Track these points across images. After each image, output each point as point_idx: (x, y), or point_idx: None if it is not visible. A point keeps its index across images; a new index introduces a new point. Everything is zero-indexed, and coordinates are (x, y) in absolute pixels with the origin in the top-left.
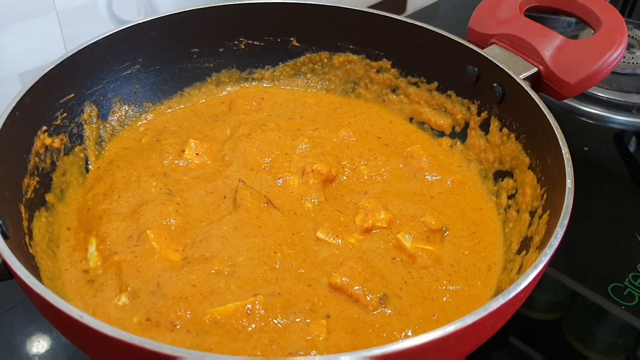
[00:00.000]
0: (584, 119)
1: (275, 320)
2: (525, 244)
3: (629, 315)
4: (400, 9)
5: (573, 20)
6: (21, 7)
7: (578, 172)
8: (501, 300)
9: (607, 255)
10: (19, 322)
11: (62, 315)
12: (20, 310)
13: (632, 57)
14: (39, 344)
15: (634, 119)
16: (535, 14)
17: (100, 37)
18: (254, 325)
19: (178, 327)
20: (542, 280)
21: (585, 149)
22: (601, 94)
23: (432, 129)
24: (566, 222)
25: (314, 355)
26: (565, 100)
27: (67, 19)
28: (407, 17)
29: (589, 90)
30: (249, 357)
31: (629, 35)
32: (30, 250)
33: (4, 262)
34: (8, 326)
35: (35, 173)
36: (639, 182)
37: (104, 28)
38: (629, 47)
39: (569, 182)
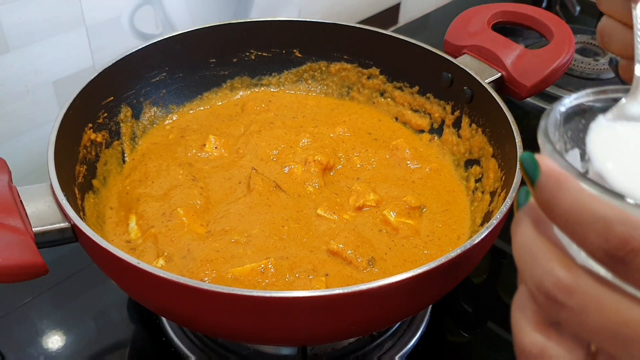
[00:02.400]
0: None
1: (284, 277)
2: (486, 218)
3: None
4: (393, 21)
5: None
6: (55, 22)
7: None
8: (458, 251)
9: None
10: (40, 314)
11: (122, 263)
12: (46, 299)
13: (597, 64)
14: (59, 337)
15: None
16: (508, 25)
17: (134, 50)
18: (267, 281)
19: (207, 281)
20: None
21: None
22: None
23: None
24: (515, 194)
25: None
26: (539, 103)
27: (94, 33)
28: (399, 28)
29: (560, 94)
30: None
31: (595, 44)
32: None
33: (73, 226)
34: (30, 316)
35: (84, 162)
36: None
37: (127, 40)
38: (594, 54)
39: (519, 164)
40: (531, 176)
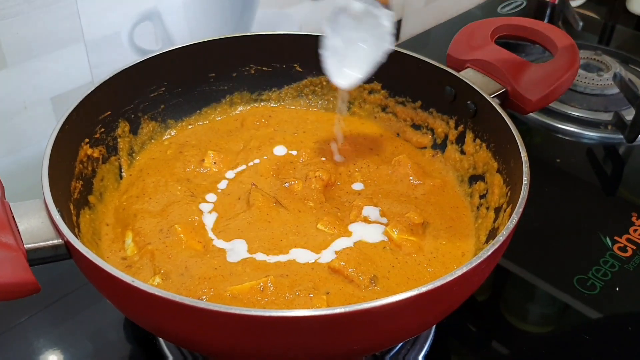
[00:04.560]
0: (560, 135)
1: (284, 295)
2: (491, 235)
3: (591, 304)
4: (395, 37)
5: None
6: (53, 38)
7: (551, 181)
8: (463, 269)
9: (574, 253)
10: (36, 333)
11: (116, 281)
12: (42, 318)
13: (600, 80)
14: (55, 356)
15: (602, 134)
16: (511, 39)
17: (132, 64)
18: (266, 299)
19: (204, 300)
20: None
21: (558, 160)
22: (574, 112)
23: None
24: (521, 210)
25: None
26: (543, 119)
27: (93, 48)
28: (401, 44)
29: (564, 109)
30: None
31: (599, 60)
32: (80, 241)
33: (67, 243)
34: (26, 336)
35: (80, 178)
36: (608, 190)
37: (126, 56)
38: (598, 70)
39: (525, 179)
40: None
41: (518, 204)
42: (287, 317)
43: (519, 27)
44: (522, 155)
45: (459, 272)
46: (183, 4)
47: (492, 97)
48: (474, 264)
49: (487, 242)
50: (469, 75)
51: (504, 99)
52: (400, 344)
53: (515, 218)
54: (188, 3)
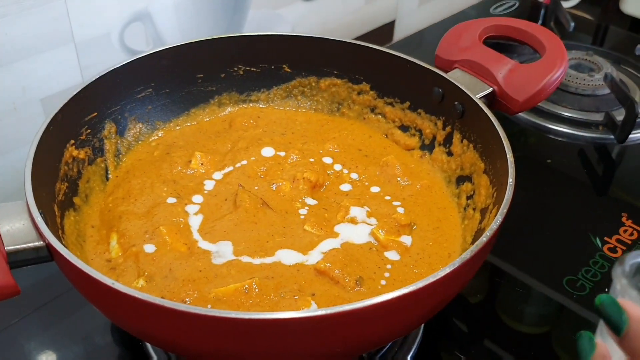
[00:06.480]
0: (551, 136)
1: (268, 297)
2: (477, 236)
3: (579, 305)
4: (388, 38)
5: None
6: (43, 39)
7: (542, 182)
8: (447, 270)
9: (564, 253)
10: (25, 337)
11: (96, 283)
12: (32, 321)
13: (592, 80)
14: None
15: (593, 135)
16: (500, 39)
17: (119, 65)
18: (251, 301)
19: (188, 302)
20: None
21: (549, 161)
22: (565, 113)
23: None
24: (505, 211)
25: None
26: (535, 120)
27: (83, 49)
28: (394, 44)
29: (555, 110)
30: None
31: (590, 60)
32: (63, 243)
33: (48, 245)
34: (17, 339)
35: (65, 179)
36: (600, 190)
37: (116, 57)
38: (589, 70)
39: (510, 180)
40: (616, 322)
41: (502, 204)
42: (271, 319)
43: (507, 28)
44: (507, 156)
45: (441, 273)
46: (174, 5)
47: (480, 98)
48: (456, 265)
49: (473, 242)
50: (456, 76)
51: (491, 99)
52: (387, 345)
53: (499, 219)
54: (179, 4)
